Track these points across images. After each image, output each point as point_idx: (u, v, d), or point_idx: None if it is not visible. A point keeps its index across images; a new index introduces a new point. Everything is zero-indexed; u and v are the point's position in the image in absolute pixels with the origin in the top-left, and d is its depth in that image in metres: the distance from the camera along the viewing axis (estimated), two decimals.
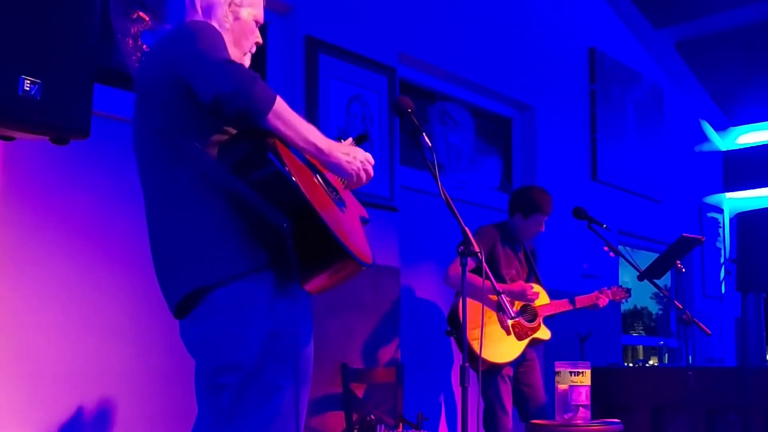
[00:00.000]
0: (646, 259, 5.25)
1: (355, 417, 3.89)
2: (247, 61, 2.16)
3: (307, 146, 1.93)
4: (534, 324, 4.13)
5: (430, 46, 4.79)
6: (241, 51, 2.14)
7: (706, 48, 6.88)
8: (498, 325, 4.01)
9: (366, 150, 2.35)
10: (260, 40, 2.19)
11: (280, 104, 1.86)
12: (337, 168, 1.99)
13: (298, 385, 1.93)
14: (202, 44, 1.88)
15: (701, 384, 4.14)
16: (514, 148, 5.67)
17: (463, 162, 5.28)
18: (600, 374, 4.43)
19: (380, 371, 4.12)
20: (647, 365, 5.62)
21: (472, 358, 3.45)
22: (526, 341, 4.11)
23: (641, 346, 7.49)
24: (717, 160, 8.01)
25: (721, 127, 7.93)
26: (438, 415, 4.77)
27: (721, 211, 8.01)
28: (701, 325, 3.99)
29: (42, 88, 2.22)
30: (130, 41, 3.41)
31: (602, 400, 4.61)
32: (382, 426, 3.81)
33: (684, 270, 4.14)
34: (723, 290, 7.76)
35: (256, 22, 2.17)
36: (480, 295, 3.58)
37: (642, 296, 7.35)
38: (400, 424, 3.94)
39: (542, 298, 4.26)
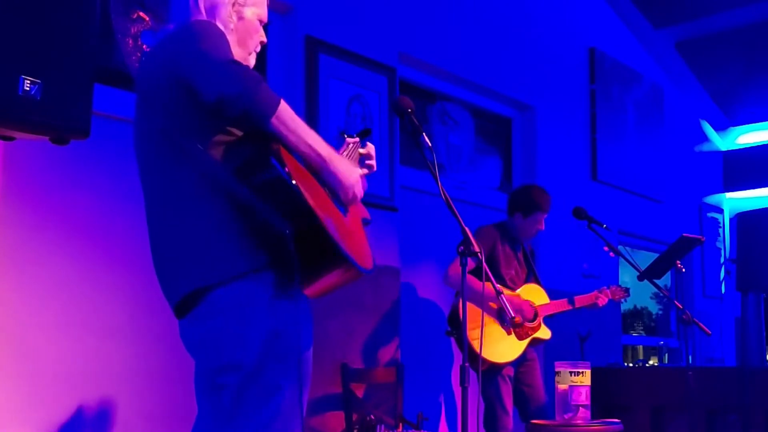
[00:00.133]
0: (646, 259, 5.25)
1: (355, 417, 3.89)
2: (252, 61, 2.16)
3: (309, 152, 1.92)
4: (534, 324, 4.13)
5: (430, 46, 4.79)
6: (246, 50, 2.13)
7: (706, 48, 6.88)
8: (499, 325, 4.02)
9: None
10: (264, 39, 2.19)
11: (284, 108, 1.86)
12: (333, 178, 1.99)
13: (298, 385, 1.93)
14: (205, 44, 1.87)
15: (701, 384, 4.14)
16: (514, 148, 5.67)
17: (463, 162, 5.28)
18: (600, 374, 4.43)
19: (380, 371, 4.12)
20: (647, 365, 5.61)
21: (473, 358, 3.45)
22: (526, 341, 4.11)
23: (641, 346, 7.49)
24: (717, 160, 8.01)
25: (721, 127, 7.93)
26: (438, 415, 4.77)
27: (721, 211, 8.01)
28: (701, 325, 3.99)
29: (42, 88, 2.22)
30: (130, 41, 3.42)
31: (602, 400, 4.61)
32: (382, 426, 3.81)
33: (684, 270, 4.14)
34: (723, 290, 7.76)
35: (260, 21, 2.16)
36: (479, 300, 3.56)
37: (642, 296, 7.35)
38: (400, 424, 3.94)
39: (542, 298, 4.27)
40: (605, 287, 4.49)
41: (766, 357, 5.33)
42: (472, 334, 3.62)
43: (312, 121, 3.91)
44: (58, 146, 2.40)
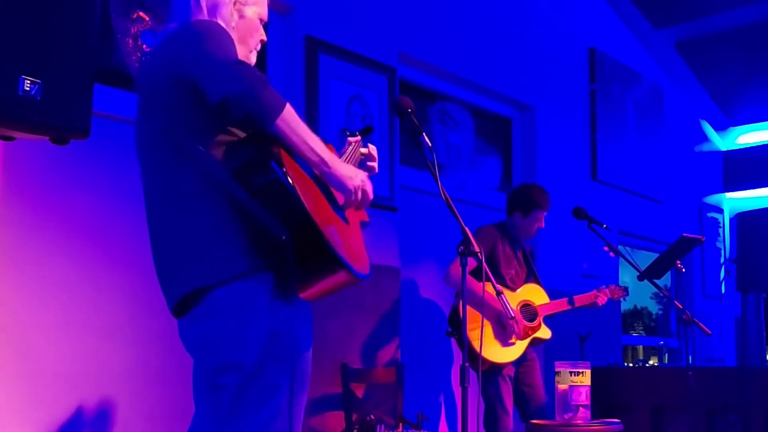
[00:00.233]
0: (646, 259, 5.25)
1: (355, 417, 3.89)
2: (252, 59, 2.16)
3: (312, 156, 1.92)
4: (534, 323, 4.14)
5: (430, 46, 4.79)
6: (247, 49, 2.13)
7: (706, 48, 6.88)
8: (497, 328, 4.02)
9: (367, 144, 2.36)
10: (265, 38, 2.19)
11: (289, 111, 1.85)
12: (338, 182, 1.97)
13: (297, 386, 1.93)
14: (210, 44, 1.87)
15: (701, 384, 4.14)
16: (514, 148, 5.67)
17: (463, 162, 5.28)
18: (600, 374, 4.43)
19: (380, 371, 4.12)
20: (647, 365, 5.61)
21: (473, 357, 3.45)
22: (527, 341, 4.11)
23: (641, 346, 7.49)
24: (717, 160, 8.01)
25: (721, 127, 7.93)
26: (438, 415, 4.77)
27: (721, 211, 8.01)
28: (701, 325, 3.99)
29: (42, 88, 2.22)
30: (130, 41, 3.42)
31: (602, 400, 4.61)
32: (382, 426, 3.81)
33: (684, 270, 4.14)
34: (723, 290, 7.76)
35: (261, 20, 2.17)
36: (479, 304, 3.56)
37: (642, 296, 7.35)
38: (400, 424, 3.94)
39: (542, 298, 4.27)
40: (604, 286, 4.49)
41: (766, 357, 5.33)
42: (474, 335, 3.62)
43: (312, 121, 3.91)
44: (58, 146, 2.40)
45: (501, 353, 4.00)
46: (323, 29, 4.11)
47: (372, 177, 2.14)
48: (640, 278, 4.16)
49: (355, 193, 2.00)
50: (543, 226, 4.29)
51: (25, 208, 2.97)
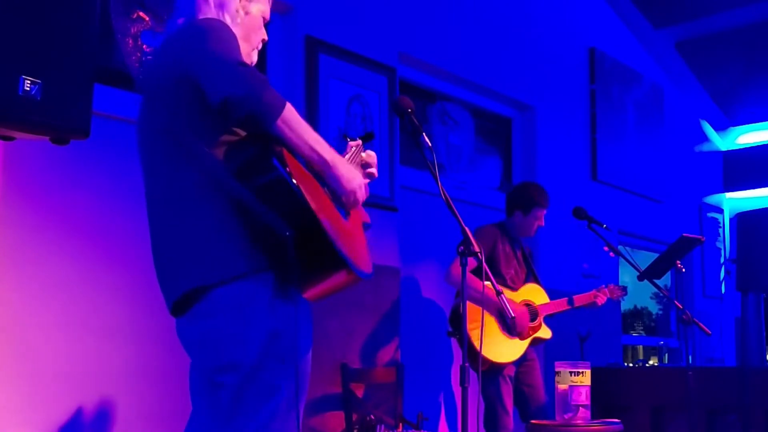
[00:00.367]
0: (646, 259, 5.25)
1: (354, 417, 3.89)
2: (254, 57, 2.17)
3: (313, 155, 1.92)
4: (535, 323, 4.14)
5: (430, 46, 4.79)
6: (250, 46, 2.14)
7: (706, 48, 6.88)
8: (500, 328, 4.02)
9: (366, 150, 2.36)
10: (266, 37, 2.20)
11: (290, 111, 1.86)
12: (336, 182, 1.99)
13: (296, 386, 1.93)
14: (214, 44, 1.87)
15: (701, 384, 4.14)
16: (514, 148, 5.67)
17: (463, 162, 5.28)
18: (600, 374, 4.43)
19: (380, 371, 4.12)
20: (647, 365, 5.62)
21: (473, 357, 3.45)
22: (528, 340, 4.12)
23: (641, 346, 7.49)
24: (717, 160, 8.01)
25: (721, 127, 7.93)
26: (438, 415, 4.77)
27: (721, 211, 8.01)
28: (701, 325, 3.99)
29: (42, 88, 2.22)
30: (130, 41, 3.42)
31: (602, 400, 4.61)
32: (382, 426, 3.81)
33: (684, 270, 4.14)
34: (723, 290, 7.76)
35: (264, 18, 2.18)
36: (481, 300, 3.56)
37: (642, 296, 7.35)
38: (400, 424, 3.94)
39: (542, 298, 4.27)
40: (603, 286, 4.50)
41: (766, 357, 5.33)
42: (475, 334, 3.62)
43: (312, 121, 3.91)
44: (58, 146, 2.40)
45: (502, 353, 4.00)
46: (323, 29, 4.11)
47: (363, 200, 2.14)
48: (640, 278, 4.16)
49: (354, 194, 2.02)
50: (543, 224, 4.30)
51: (25, 208, 2.97)
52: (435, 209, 4.11)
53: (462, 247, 2.35)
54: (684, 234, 4.19)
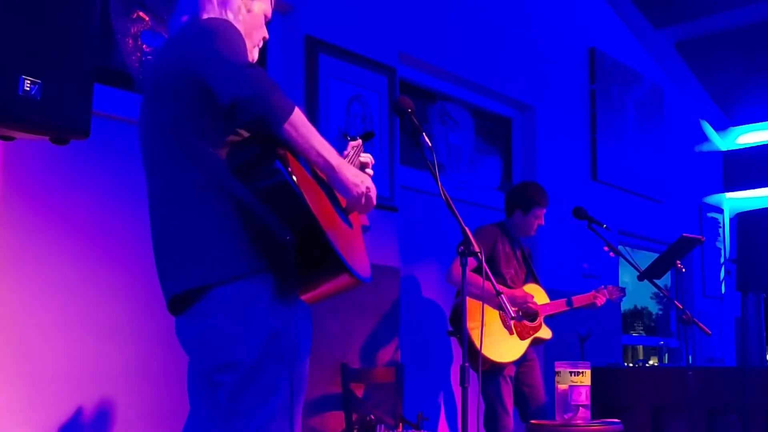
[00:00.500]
0: (646, 259, 5.25)
1: (354, 417, 3.89)
2: (255, 54, 2.17)
3: (318, 160, 1.92)
4: (535, 323, 4.14)
5: (430, 46, 4.79)
6: (251, 43, 2.14)
7: (706, 48, 6.88)
8: (501, 325, 4.02)
9: (366, 150, 2.36)
10: (267, 36, 2.21)
11: (297, 114, 1.86)
12: (343, 187, 1.98)
13: (295, 387, 1.93)
14: (222, 44, 1.87)
15: (701, 384, 4.14)
16: (514, 148, 5.67)
17: (463, 162, 5.28)
18: (600, 374, 4.43)
19: (380, 371, 4.12)
20: (647, 365, 5.62)
21: (474, 357, 3.45)
22: (528, 340, 4.12)
23: (641, 346, 7.49)
24: (717, 160, 8.01)
25: (721, 127, 7.93)
26: (438, 415, 4.77)
27: (721, 211, 8.01)
28: (701, 325, 3.99)
29: (42, 88, 2.22)
30: (130, 41, 3.42)
31: (602, 400, 4.61)
32: (382, 426, 3.81)
33: (684, 270, 4.14)
34: (723, 290, 7.76)
35: (265, 17, 2.18)
36: (482, 294, 3.57)
37: (642, 296, 7.35)
38: (400, 424, 3.94)
39: (542, 298, 4.27)
40: (602, 287, 4.50)
41: (766, 357, 5.33)
42: (476, 334, 3.62)
43: (312, 121, 3.84)
44: (58, 146, 2.40)
45: (502, 353, 4.00)
46: (323, 29, 4.11)
47: (372, 178, 2.14)
48: (640, 278, 4.16)
49: (359, 199, 2.01)
50: (543, 223, 4.30)
51: (25, 208, 2.97)
52: (435, 209, 4.11)
53: (462, 247, 2.35)
54: (684, 234, 4.19)
